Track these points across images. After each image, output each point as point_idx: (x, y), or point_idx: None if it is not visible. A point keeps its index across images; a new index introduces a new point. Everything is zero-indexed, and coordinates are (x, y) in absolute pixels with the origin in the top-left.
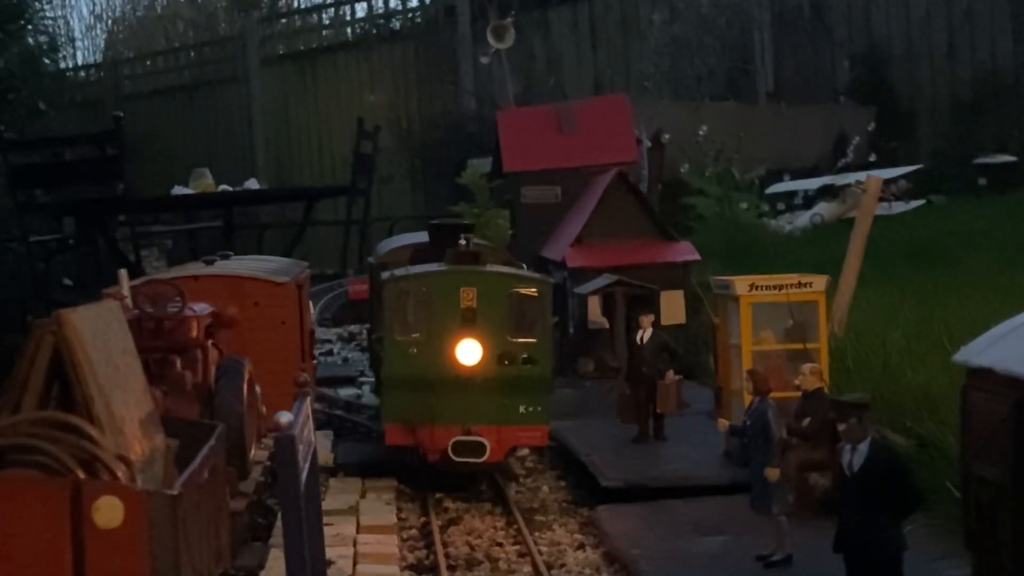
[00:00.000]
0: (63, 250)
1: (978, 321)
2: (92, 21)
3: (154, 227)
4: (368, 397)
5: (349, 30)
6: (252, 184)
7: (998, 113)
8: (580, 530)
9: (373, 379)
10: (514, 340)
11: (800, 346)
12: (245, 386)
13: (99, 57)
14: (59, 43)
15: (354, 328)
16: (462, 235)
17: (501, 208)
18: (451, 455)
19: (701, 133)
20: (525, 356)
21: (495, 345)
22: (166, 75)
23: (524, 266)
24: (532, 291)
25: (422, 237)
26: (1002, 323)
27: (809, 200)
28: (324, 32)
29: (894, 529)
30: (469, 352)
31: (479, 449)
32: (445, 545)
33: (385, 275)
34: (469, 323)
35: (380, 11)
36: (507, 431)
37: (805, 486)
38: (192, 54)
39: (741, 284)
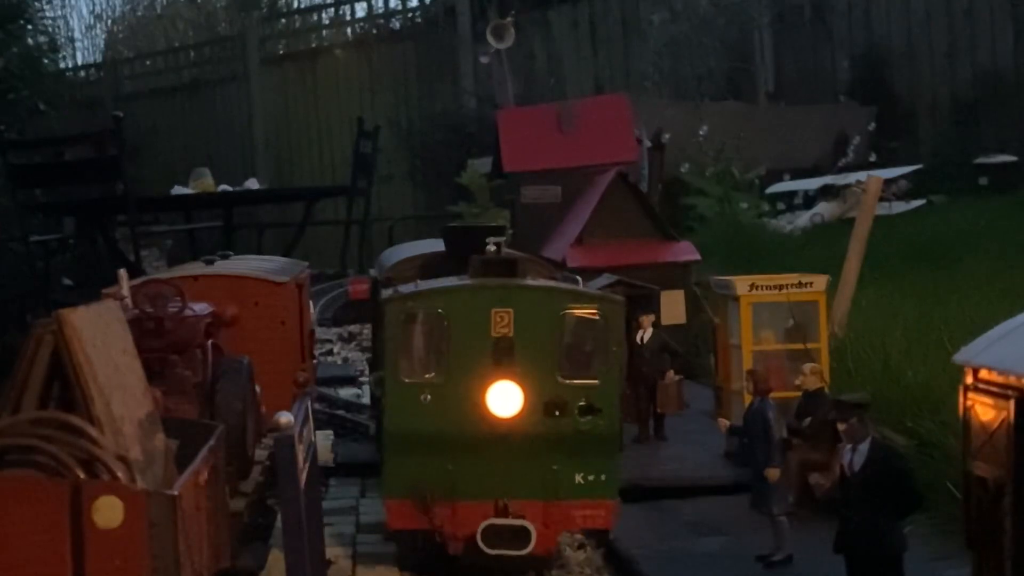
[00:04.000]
0: (63, 250)
1: (978, 321)
2: (92, 21)
3: (154, 227)
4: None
5: (349, 30)
6: (252, 184)
7: (998, 113)
8: (580, 530)
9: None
10: (567, 382)
11: (800, 346)
12: (245, 386)
13: (99, 57)
14: (59, 43)
15: (354, 328)
16: (490, 239)
17: (501, 208)
18: (481, 544)
19: (701, 133)
20: (583, 404)
21: (541, 389)
22: (166, 75)
23: (579, 280)
24: (592, 312)
25: (435, 246)
26: (1002, 323)
27: (809, 200)
28: (324, 32)
29: (894, 529)
30: (504, 399)
31: (520, 536)
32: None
33: (387, 293)
34: (504, 358)
35: (380, 11)
36: (559, 510)
37: (805, 486)
38: (192, 54)
39: (741, 284)
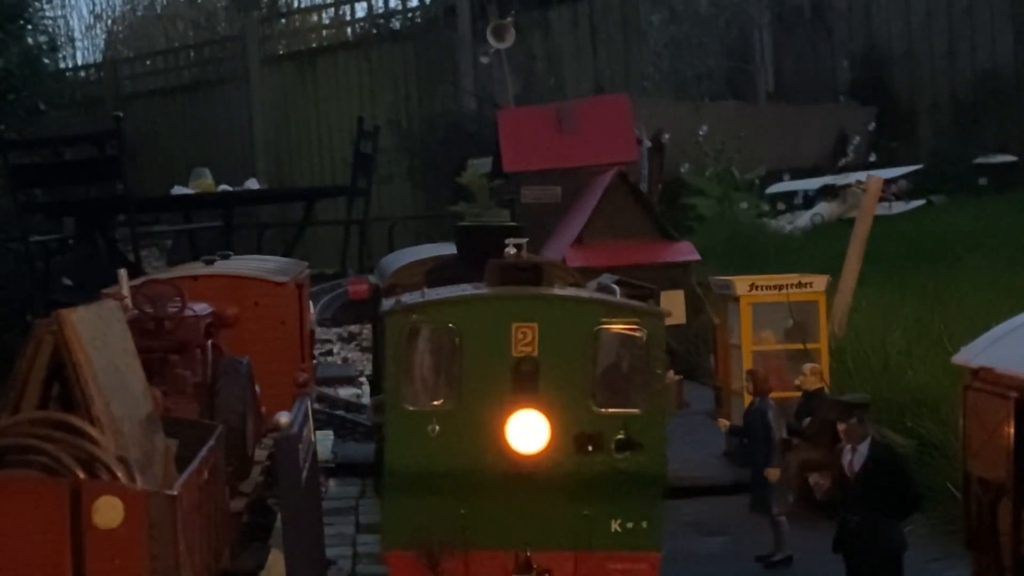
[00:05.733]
0: (63, 250)
1: (978, 321)
2: (92, 21)
3: (154, 227)
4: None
5: (349, 30)
6: (252, 184)
7: (998, 113)
8: None
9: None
10: (603, 411)
11: (800, 346)
12: (245, 386)
13: (99, 57)
14: (59, 43)
15: (354, 328)
16: (510, 240)
17: (501, 208)
18: None
19: (701, 133)
20: (621, 437)
21: (571, 419)
22: (166, 75)
23: (616, 290)
24: (632, 328)
25: (442, 251)
26: (1002, 323)
27: (809, 200)
28: (324, 32)
29: (894, 529)
30: (527, 431)
31: None
32: None
33: (388, 303)
34: (527, 383)
35: (380, 11)
36: (591, 563)
37: (805, 486)
38: (192, 54)
39: (741, 284)
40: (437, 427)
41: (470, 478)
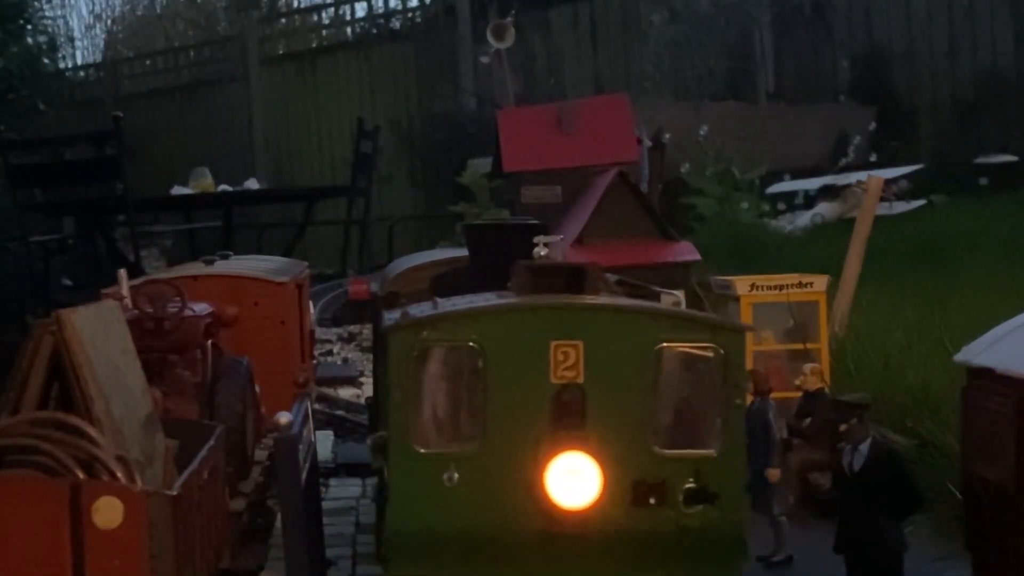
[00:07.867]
0: (63, 250)
1: (978, 321)
2: (91, 21)
3: (154, 227)
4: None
5: (349, 30)
6: (252, 184)
7: (999, 113)
8: None
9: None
10: (667, 453)
11: (801, 346)
12: (245, 386)
13: (98, 57)
14: (59, 43)
15: (354, 328)
16: (540, 240)
17: (501, 208)
18: None
19: (701, 133)
20: (691, 486)
21: (627, 464)
22: (165, 75)
23: (680, 298)
24: (704, 347)
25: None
26: (1002, 323)
27: (810, 200)
28: (324, 32)
29: (894, 529)
30: (572, 480)
31: None
32: None
33: (391, 317)
34: (571, 418)
35: (380, 11)
36: None
37: (806, 486)
38: (192, 54)
39: (741, 284)
40: (456, 475)
41: (498, 540)
